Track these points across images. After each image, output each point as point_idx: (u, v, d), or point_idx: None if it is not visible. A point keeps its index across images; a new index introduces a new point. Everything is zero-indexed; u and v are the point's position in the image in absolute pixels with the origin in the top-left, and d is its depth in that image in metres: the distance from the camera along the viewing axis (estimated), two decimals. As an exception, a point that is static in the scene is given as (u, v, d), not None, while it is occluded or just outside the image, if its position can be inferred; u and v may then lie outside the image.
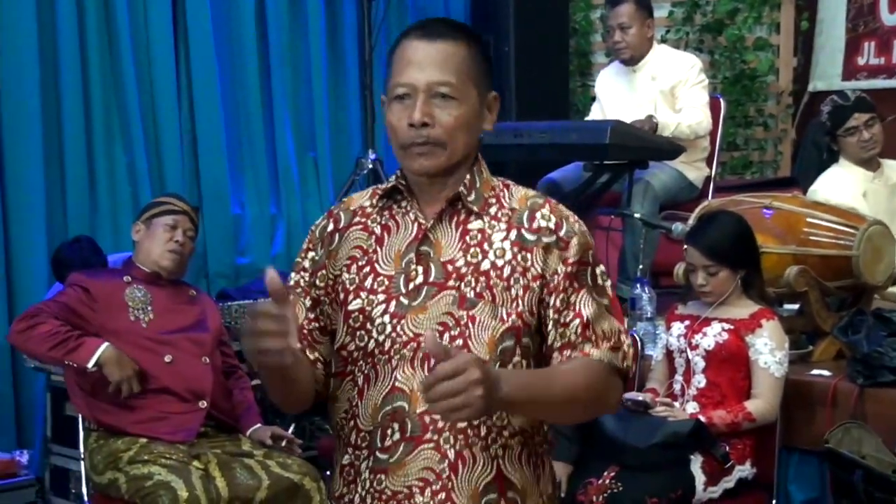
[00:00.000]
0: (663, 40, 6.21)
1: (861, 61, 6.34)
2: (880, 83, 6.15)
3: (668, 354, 3.67)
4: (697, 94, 5.12)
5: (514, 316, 1.94)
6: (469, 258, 1.96)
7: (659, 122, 4.93)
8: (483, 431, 1.92)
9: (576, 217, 2.02)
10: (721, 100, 5.58)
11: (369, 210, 2.06)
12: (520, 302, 1.94)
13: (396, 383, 1.94)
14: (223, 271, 5.46)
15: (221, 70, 5.47)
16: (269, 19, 5.69)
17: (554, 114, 5.75)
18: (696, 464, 3.43)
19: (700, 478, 3.42)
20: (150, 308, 3.72)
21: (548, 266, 1.95)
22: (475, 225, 1.99)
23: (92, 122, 5.01)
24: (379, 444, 1.95)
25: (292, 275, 2.11)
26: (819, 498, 3.71)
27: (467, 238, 1.98)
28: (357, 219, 2.06)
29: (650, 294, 4.30)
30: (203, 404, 3.63)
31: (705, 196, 5.19)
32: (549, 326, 1.97)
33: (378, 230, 2.03)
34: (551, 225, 1.97)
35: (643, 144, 4.69)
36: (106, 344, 3.51)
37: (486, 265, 1.95)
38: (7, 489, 4.18)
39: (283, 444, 3.76)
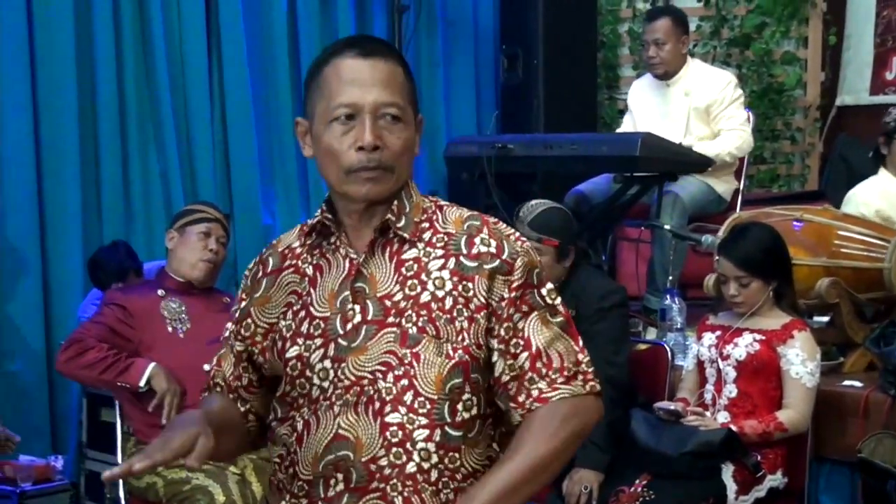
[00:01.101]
0: (690, 54, 6.23)
1: (889, 76, 6.34)
2: (908, 98, 6.16)
3: (699, 364, 3.68)
4: (735, 112, 5.12)
5: (460, 351, 1.82)
6: (407, 291, 1.84)
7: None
8: (434, 476, 1.82)
9: (517, 234, 1.91)
10: (750, 113, 5.59)
11: (299, 251, 1.94)
12: (465, 336, 1.82)
13: (340, 430, 1.83)
14: (254, 280, 5.50)
15: (253, 81, 5.53)
16: (300, 31, 5.75)
17: (581, 126, 5.80)
18: (728, 473, 3.44)
19: (731, 487, 3.43)
20: (185, 317, 3.75)
21: (493, 293, 1.83)
22: (410, 254, 1.87)
23: (127, 131, 5.08)
24: (321, 494, 1.84)
25: (229, 324, 2.02)
26: (849, 508, 3.73)
27: (403, 269, 1.86)
28: (287, 262, 1.94)
29: (680, 305, 4.32)
30: (240, 410, 3.66)
31: (733, 209, 5.20)
32: (496, 357, 1.84)
33: (310, 271, 1.91)
34: (492, 249, 1.85)
35: (673, 157, 4.72)
36: (154, 363, 3.57)
37: (425, 297, 1.83)
38: (42, 494, 4.21)
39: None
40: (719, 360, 3.58)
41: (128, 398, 3.68)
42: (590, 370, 1.88)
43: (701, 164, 4.84)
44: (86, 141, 4.90)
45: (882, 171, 4.57)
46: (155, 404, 3.53)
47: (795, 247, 3.84)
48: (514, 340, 1.83)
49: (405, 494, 1.80)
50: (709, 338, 3.65)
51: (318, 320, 1.87)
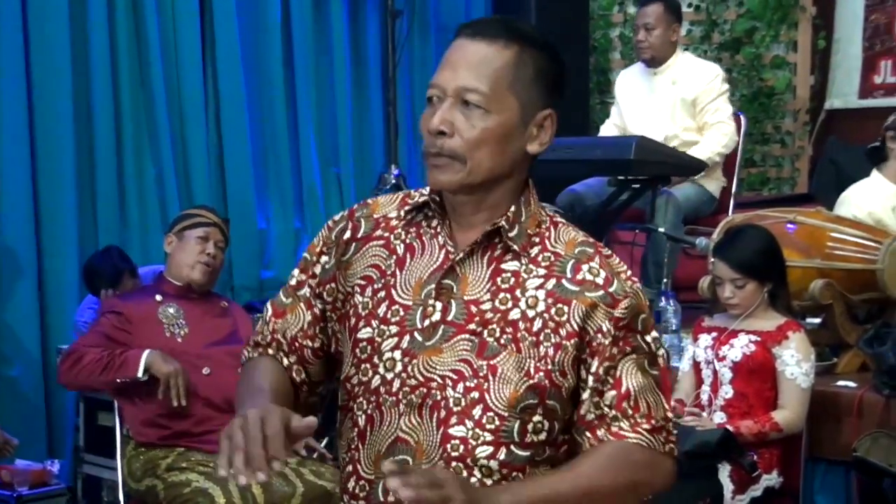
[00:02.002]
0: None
1: (878, 80, 6.39)
2: (896, 102, 6.20)
3: (696, 366, 3.71)
4: (721, 105, 5.17)
5: (541, 373, 1.70)
6: (497, 303, 1.73)
7: None
8: None
9: (629, 274, 1.77)
10: (742, 116, 5.61)
11: (394, 223, 1.82)
12: (549, 361, 1.71)
13: (401, 433, 1.73)
14: (248, 284, 5.53)
15: (248, 86, 5.55)
16: (294, 37, 5.78)
17: (573, 130, 5.81)
18: (724, 472, 3.47)
19: (728, 486, 3.45)
20: (183, 322, 3.75)
21: (590, 322, 1.71)
22: (510, 266, 1.74)
23: (122, 136, 5.09)
24: (381, 498, 1.74)
25: (296, 272, 1.88)
26: (844, 508, 3.76)
27: (498, 279, 1.74)
28: (379, 231, 1.82)
29: (675, 307, 4.34)
30: (240, 414, 3.66)
31: (724, 210, 5.24)
32: (586, 394, 1.73)
33: (401, 249, 1.79)
34: (599, 280, 1.72)
35: (667, 160, 4.74)
36: (148, 350, 3.56)
37: (514, 314, 1.72)
38: (39, 498, 4.20)
39: (315, 455, 3.80)
40: (715, 361, 3.61)
41: (126, 399, 3.68)
42: (674, 433, 1.78)
43: (695, 167, 4.87)
44: (81, 146, 4.90)
45: (875, 174, 4.61)
46: (163, 390, 3.53)
47: (789, 249, 3.87)
48: (607, 379, 1.72)
49: None
50: (705, 339, 3.68)
51: (397, 306, 1.76)
